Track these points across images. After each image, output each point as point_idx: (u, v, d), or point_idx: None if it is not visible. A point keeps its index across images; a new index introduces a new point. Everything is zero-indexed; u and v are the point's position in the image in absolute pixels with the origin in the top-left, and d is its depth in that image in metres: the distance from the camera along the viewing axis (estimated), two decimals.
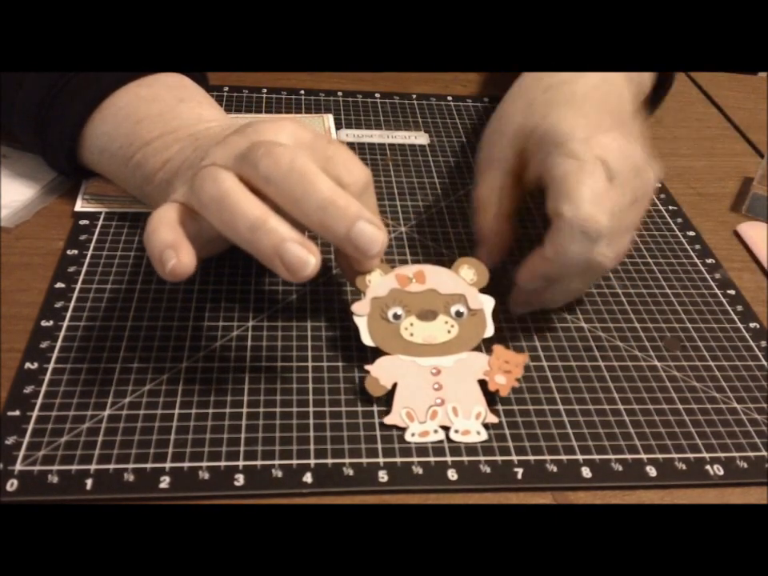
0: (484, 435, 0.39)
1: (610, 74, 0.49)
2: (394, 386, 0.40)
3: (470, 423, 0.39)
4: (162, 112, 0.47)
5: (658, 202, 0.59)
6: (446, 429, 0.39)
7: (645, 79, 0.56)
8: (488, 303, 0.42)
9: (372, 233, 0.36)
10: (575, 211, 0.40)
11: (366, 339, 0.41)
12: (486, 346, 0.42)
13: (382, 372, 0.40)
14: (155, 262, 0.36)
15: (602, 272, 0.43)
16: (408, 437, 0.38)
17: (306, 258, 0.35)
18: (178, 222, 0.37)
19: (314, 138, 0.39)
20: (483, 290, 0.43)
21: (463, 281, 0.43)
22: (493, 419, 0.39)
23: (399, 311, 0.41)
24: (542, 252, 0.41)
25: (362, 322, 0.41)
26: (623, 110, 0.48)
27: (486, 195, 0.45)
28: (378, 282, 0.42)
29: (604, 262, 0.41)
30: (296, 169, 0.35)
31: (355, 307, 0.41)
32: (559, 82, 0.48)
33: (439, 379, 0.40)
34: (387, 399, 0.40)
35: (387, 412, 0.39)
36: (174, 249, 0.35)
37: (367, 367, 0.40)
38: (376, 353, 0.41)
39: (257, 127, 0.38)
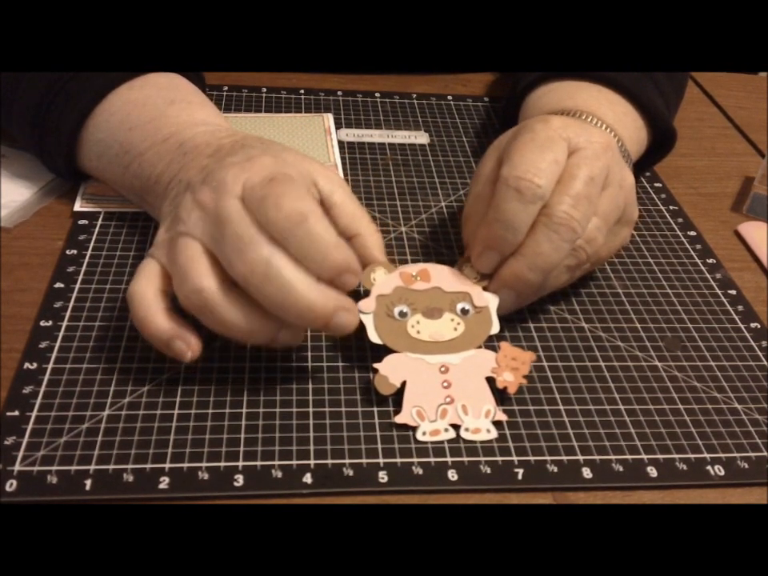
0: (494, 433, 0.39)
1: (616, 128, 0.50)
2: (402, 384, 0.39)
3: (480, 421, 0.39)
4: (153, 118, 0.46)
5: (658, 202, 0.59)
6: (455, 427, 0.39)
7: (643, 139, 0.55)
8: (493, 301, 0.42)
9: (345, 321, 0.37)
10: (510, 170, 0.40)
11: (373, 336, 0.41)
12: (490, 344, 0.42)
13: (390, 370, 0.40)
14: (161, 348, 0.38)
15: (566, 238, 0.40)
16: (419, 436, 0.38)
17: (298, 337, 0.39)
18: (164, 297, 0.38)
19: (261, 180, 0.37)
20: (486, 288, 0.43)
21: (467, 279, 0.43)
22: (502, 417, 0.39)
23: (405, 309, 0.41)
24: (486, 218, 0.41)
25: (368, 320, 0.41)
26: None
27: (468, 206, 0.45)
28: (383, 280, 0.42)
29: (565, 219, 0.40)
30: (271, 276, 0.36)
31: (361, 304, 0.41)
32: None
33: (448, 377, 0.40)
34: (389, 399, 0.40)
35: (388, 412, 0.39)
36: (180, 339, 0.37)
37: (376, 365, 0.40)
38: (376, 352, 0.41)
39: (221, 178, 0.38)
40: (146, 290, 0.38)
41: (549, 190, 0.40)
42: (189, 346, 0.38)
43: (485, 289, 0.43)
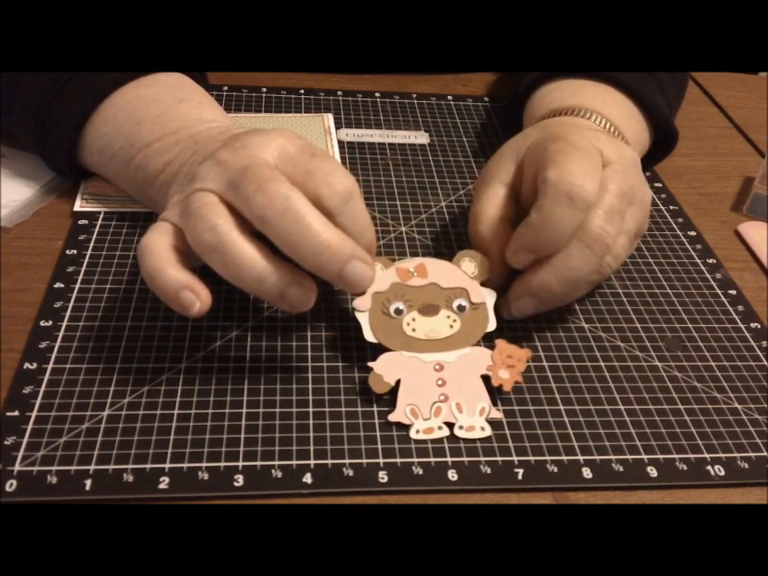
0: (488, 431, 0.39)
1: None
2: (397, 382, 0.39)
3: (474, 419, 0.39)
4: (162, 113, 0.47)
5: (659, 202, 0.59)
6: (450, 425, 0.39)
7: (645, 141, 0.56)
8: (490, 297, 0.42)
9: (361, 271, 0.37)
10: (561, 175, 0.39)
11: (369, 335, 0.40)
12: (487, 341, 0.42)
13: (385, 368, 0.40)
14: (169, 301, 0.37)
15: (598, 253, 0.40)
16: (413, 434, 0.38)
17: (308, 297, 0.37)
18: (177, 252, 0.37)
19: (299, 151, 0.38)
20: (484, 284, 0.43)
21: (464, 274, 0.43)
22: (496, 415, 0.39)
23: (401, 306, 0.41)
24: (528, 220, 0.40)
25: (363, 318, 0.41)
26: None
27: (479, 206, 0.45)
28: (379, 277, 0.42)
29: (600, 234, 0.39)
30: (290, 210, 0.35)
31: (357, 303, 0.41)
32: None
33: (442, 375, 0.40)
34: (389, 399, 0.40)
35: (388, 411, 0.39)
36: (190, 290, 0.36)
37: (370, 364, 0.40)
38: (376, 351, 0.41)
39: (245, 141, 0.38)
40: (158, 243, 0.37)
41: (596, 197, 0.40)
42: (198, 297, 0.36)
43: (482, 284, 0.43)
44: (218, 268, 0.36)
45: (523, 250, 0.41)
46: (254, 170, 0.36)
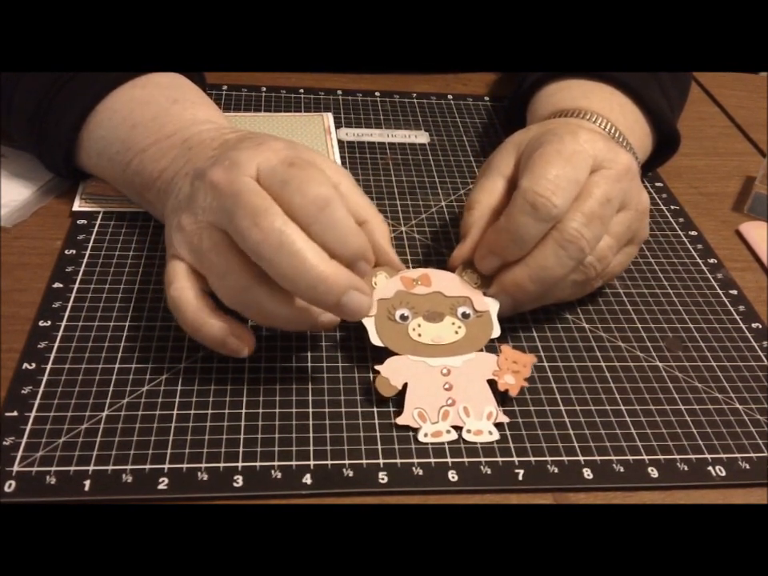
0: (496, 435, 0.39)
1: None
2: (404, 386, 0.39)
3: (482, 423, 0.39)
4: (156, 116, 0.46)
5: (660, 202, 0.58)
6: (457, 429, 0.39)
7: (648, 146, 0.56)
8: (493, 305, 0.42)
9: (358, 301, 0.37)
10: (532, 184, 0.40)
11: (375, 339, 0.40)
12: (491, 347, 0.42)
13: (392, 372, 0.40)
14: (215, 347, 0.39)
15: (572, 255, 0.40)
16: (421, 437, 0.38)
17: (333, 325, 0.40)
18: (207, 297, 0.38)
19: (279, 162, 0.37)
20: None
21: (467, 283, 0.43)
22: (504, 419, 0.39)
23: (406, 312, 0.41)
24: (497, 224, 0.41)
25: (369, 323, 0.41)
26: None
27: (475, 195, 0.45)
28: (384, 284, 0.42)
29: (575, 237, 0.40)
30: (284, 245, 0.35)
31: None
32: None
33: (449, 379, 0.40)
34: (390, 400, 0.40)
35: (389, 411, 0.39)
36: (235, 337, 0.38)
37: (377, 367, 0.40)
38: (377, 352, 0.40)
39: (234, 158, 0.38)
40: (188, 294, 0.38)
41: (564, 210, 0.40)
42: (243, 341, 0.38)
43: (484, 294, 0.43)
44: (248, 315, 0.38)
45: (490, 253, 0.42)
46: (246, 198, 0.36)
